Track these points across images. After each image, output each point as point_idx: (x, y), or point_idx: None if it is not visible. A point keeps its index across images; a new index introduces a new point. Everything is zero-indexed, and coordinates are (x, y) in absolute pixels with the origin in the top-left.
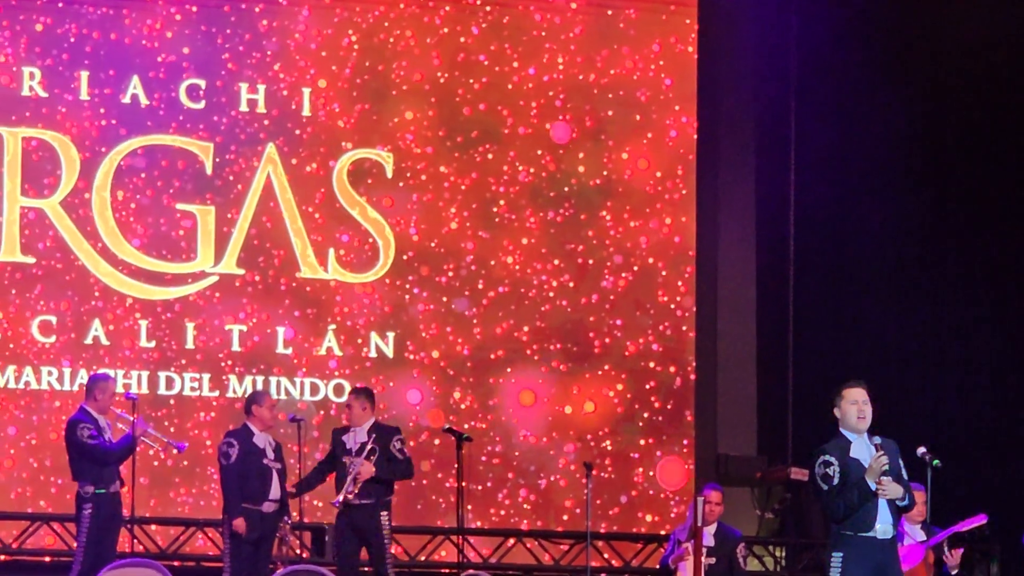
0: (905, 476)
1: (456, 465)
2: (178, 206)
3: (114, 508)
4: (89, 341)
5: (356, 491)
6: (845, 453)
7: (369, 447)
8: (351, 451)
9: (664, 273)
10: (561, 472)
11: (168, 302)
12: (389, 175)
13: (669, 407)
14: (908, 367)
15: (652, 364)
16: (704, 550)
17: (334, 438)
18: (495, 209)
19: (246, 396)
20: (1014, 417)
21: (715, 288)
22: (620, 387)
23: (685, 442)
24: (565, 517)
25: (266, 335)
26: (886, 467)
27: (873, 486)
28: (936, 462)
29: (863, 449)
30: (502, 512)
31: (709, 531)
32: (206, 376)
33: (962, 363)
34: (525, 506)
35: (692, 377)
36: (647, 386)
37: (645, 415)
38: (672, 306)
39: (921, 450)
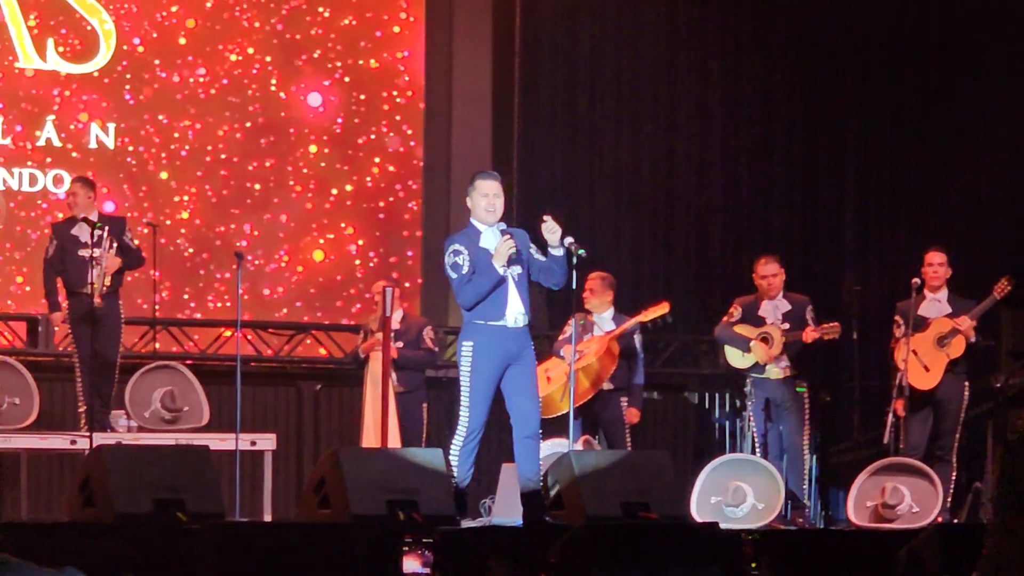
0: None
1: None
2: None
3: None
4: None
5: (109, 284)
6: (474, 242)
7: (107, 238)
8: (86, 244)
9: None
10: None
11: None
12: None
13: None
14: None
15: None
16: (393, 335)
17: (62, 232)
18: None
19: None
20: None
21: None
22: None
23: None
24: (284, 309)
25: None
26: (513, 251)
27: (501, 271)
28: (581, 252)
29: (493, 239)
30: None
31: (396, 318)
32: None
33: None
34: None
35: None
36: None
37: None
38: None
39: (568, 240)
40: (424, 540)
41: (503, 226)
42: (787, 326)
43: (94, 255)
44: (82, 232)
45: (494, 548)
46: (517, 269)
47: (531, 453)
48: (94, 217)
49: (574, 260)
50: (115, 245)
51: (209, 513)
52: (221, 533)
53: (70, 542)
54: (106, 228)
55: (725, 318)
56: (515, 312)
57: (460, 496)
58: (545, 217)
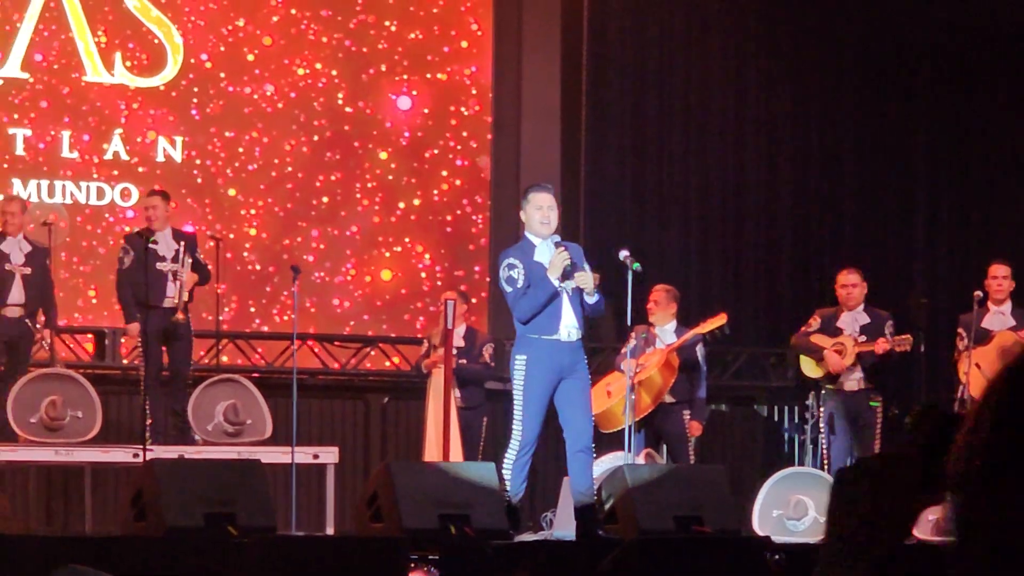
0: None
1: None
2: None
3: None
4: None
5: (187, 298)
6: (529, 256)
7: (184, 254)
8: (165, 257)
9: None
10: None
11: None
12: None
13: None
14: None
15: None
16: (455, 351)
17: (136, 244)
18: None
19: None
20: None
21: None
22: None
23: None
24: (352, 322)
25: (51, 139)
26: (567, 263)
27: (556, 284)
28: (636, 265)
29: (547, 252)
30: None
31: (459, 332)
32: None
33: None
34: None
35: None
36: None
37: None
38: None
39: (623, 253)
40: (430, 557)
41: (557, 239)
42: (863, 338)
43: (173, 270)
44: (159, 246)
45: (547, 562)
46: (571, 283)
47: (584, 467)
48: (168, 230)
49: (628, 273)
50: (190, 261)
51: (260, 527)
52: (271, 547)
53: (121, 556)
54: (183, 243)
55: (803, 328)
56: (568, 326)
57: (513, 510)
58: (578, 273)
